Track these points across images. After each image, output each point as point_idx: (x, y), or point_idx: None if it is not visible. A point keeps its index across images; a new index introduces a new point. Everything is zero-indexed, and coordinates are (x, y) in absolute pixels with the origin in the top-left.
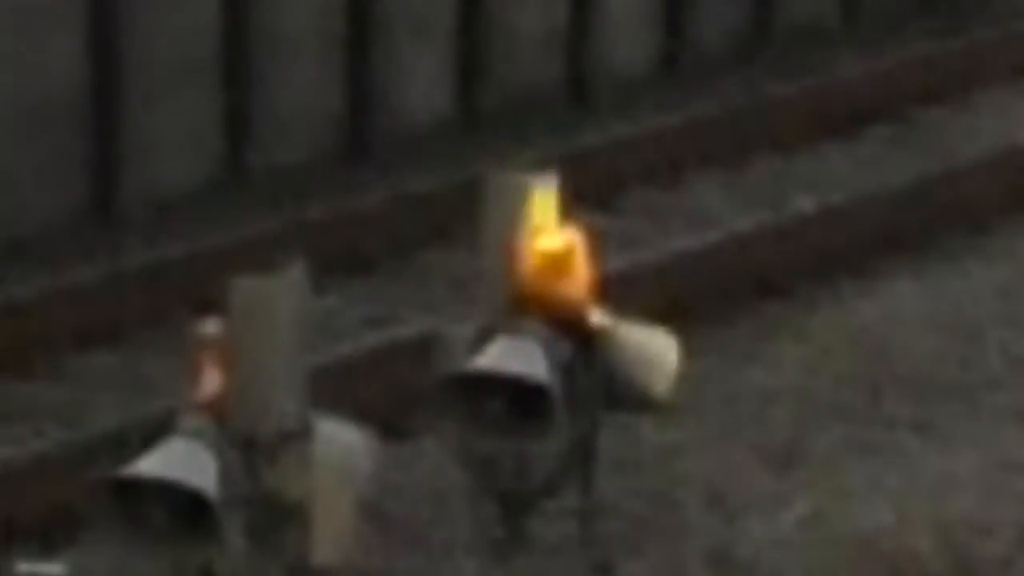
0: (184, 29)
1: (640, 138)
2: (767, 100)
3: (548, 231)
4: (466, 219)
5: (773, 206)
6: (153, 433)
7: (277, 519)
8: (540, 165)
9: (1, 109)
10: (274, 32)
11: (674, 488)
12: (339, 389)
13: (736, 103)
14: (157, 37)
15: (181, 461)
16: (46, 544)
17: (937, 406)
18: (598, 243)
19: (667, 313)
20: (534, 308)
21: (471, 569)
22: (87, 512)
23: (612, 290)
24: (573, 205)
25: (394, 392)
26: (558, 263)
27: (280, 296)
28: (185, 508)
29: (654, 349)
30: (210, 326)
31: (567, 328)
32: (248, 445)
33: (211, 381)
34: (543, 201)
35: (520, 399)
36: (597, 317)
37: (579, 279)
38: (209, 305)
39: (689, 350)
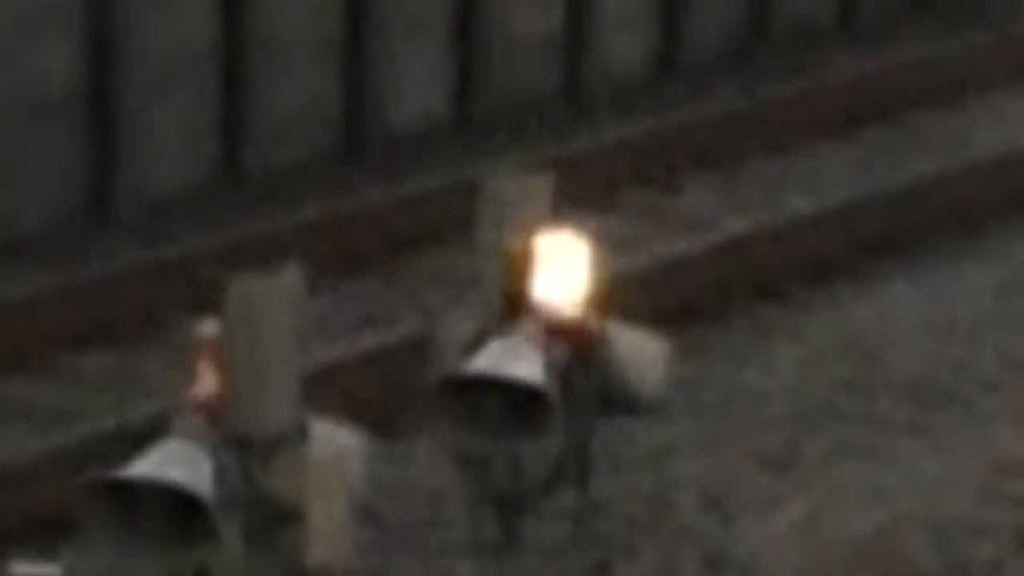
0: (180, 30)
1: (636, 140)
2: (763, 102)
3: (544, 233)
4: (462, 221)
5: (769, 208)
6: (148, 434)
7: (272, 520)
8: (536, 167)
9: None
10: (270, 34)
11: (669, 490)
12: (334, 390)
13: (732, 105)
14: (153, 38)
15: (176, 462)
16: (42, 545)
17: (932, 408)
18: (594, 245)
19: (663, 315)
20: (530, 310)
21: (466, 570)
22: (83, 513)
23: (608, 292)
24: (569, 207)
25: (389, 393)
26: (553, 265)
27: (275, 297)
28: (180, 509)
29: (647, 351)
30: (206, 327)
31: (562, 330)
32: (243, 446)
33: (206, 382)
34: (539, 203)
35: (515, 401)
36: (592, 319)
37: (574, 281)
38: (205, 306)
39: (685, 352)
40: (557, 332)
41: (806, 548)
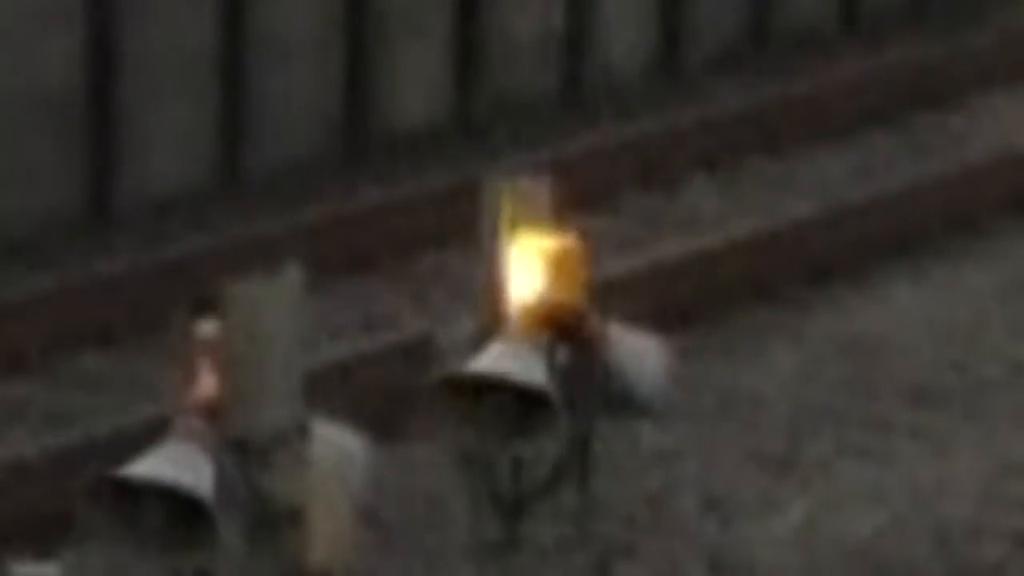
0: (181, 31)
1: (636, 142)
2: (763, 104)
3: (544, 235)
4: (463, 222)
5: (770, 210)
6: (148, 435)
7: (273, 522)
8: (536, 168)
9: None
10: (271, 34)
11: (670, 491)
12: (335, 392)
13: (732, 107)
14: (154, 39)
15: (177, 464)
16: (41, 547)
17: (933, 410)
18: (594, 247)
19: (663, 317)
20: (531, 311)
21: (467, 571)
22: (83, 515)
23: (608, 294)
24: (569, 208)
25: (390, 394)
26: (554, 267)
27: (276, 298)
28: (180, 511)
29: (648, 353)
30: (206, 328)
31: (564, 331)
32: (244, 448)
33: (207, 384)
34: (539, 204)
35: (516, 402)
36: (593, 321)
37: (575, 283)
38: (205, 307)
39: (685, 354)
40: (558, 333)
41: (806, 550)
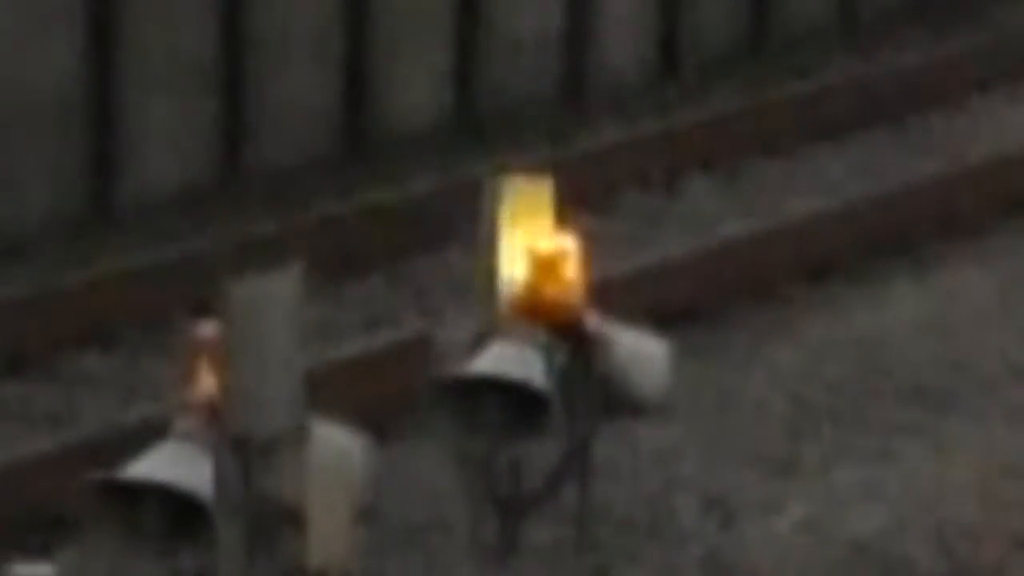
0: (181, 30)
1: (636, 142)
2: (763, 104)
3: (544, 235)
4: (463, 222)
5: (769, 210)
6: (148, 435)
7: (272, 522)
8: (536, 168)
9: None
10: (270, 34)
11: (670, 492)
12: (335, 392)
13: (732, 107)
14: (154, 38)
15: (176, 463)
16: (40, 546)
17: (933, 411)
18: (594, 247)
19: (663, 317)
20: (530, 312)
21: (467, 573)
22: (82, 514)
23: (608, 294)
24: (569, 209)
25: (390, 395)
26: (554, 267)
27: (276, 298)
28: (180, 511)
29: (648, 353)
30: (206, 328)
31: (563, 332)
32: (243, 448)
33: (206, 383)
34: (539, 205)
35: (516, 403)
36: (593, 321)
37: (575, 283)
38: (205, 307)
39: (684, 355)
40: (557, 334)
41: (807, 551)
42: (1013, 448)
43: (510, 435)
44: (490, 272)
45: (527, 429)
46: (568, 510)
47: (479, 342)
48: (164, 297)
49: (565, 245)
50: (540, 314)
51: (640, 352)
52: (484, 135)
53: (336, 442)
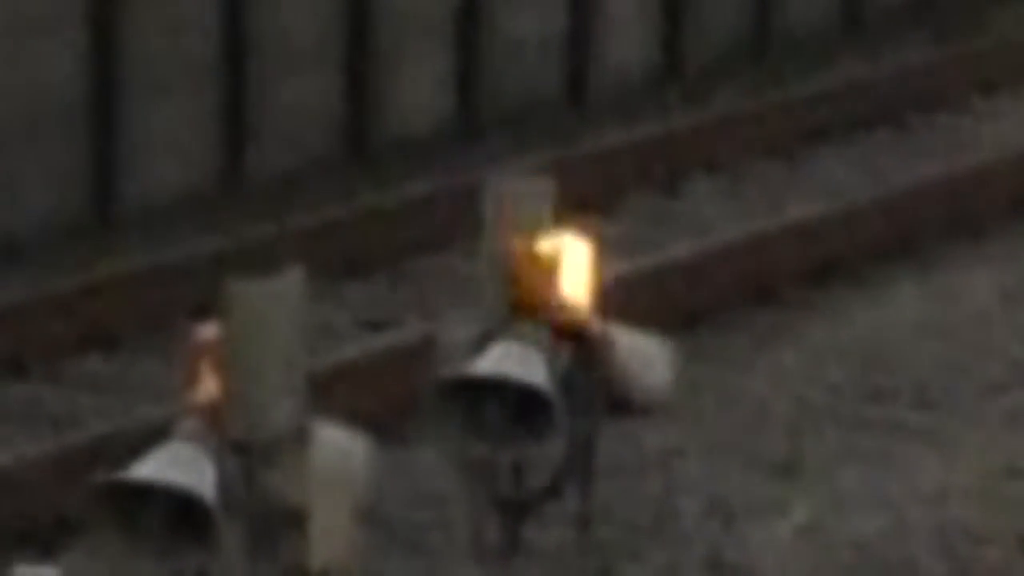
0: (183, 34)
1: (639, 144)
2: (766, 106)
3: (546, 236)
4: (465, 224)
5: (772, 212)
6: (150, 438)
7: (274, 524)
8: (538, 170)
9: None
10: (274, 37)
11: (672, 494)
12: (337, 394)
13: (735, 109)
14: (156, 42)
15: (178, 465)
16: (43, 548)
17: (936, 412)
18: (597, 248)
19: (665, 319)
20: (532, 313)
21: (469, 574)
22: (84, 516)
23: (610, 296)
24: (571, 210)
25: (392, 397)
26: (555, 269)
27: (277, 300)
28: (182, 513)
29: (650, 355)
30: (207, 330)
31: (565, 333)
32: (245, 450)
33: (208, 385)
34: (541, 206)
35: (518, 404)
36: (595, 322)
37: (577, 284)
38: (207, 309)
39: (687, 356)
40: (560, 335)
41: (809, 553)
42: (1015, 449)
43: (512, 437)
44: (492, 274)
45: (529, 431)
46: (570, 511)
47: (481, 344)
48: (166, 300)
49: (566, 247)
50: (542, 316)
51: (642, 353)
52: (486, 137)
53: (337, 444)
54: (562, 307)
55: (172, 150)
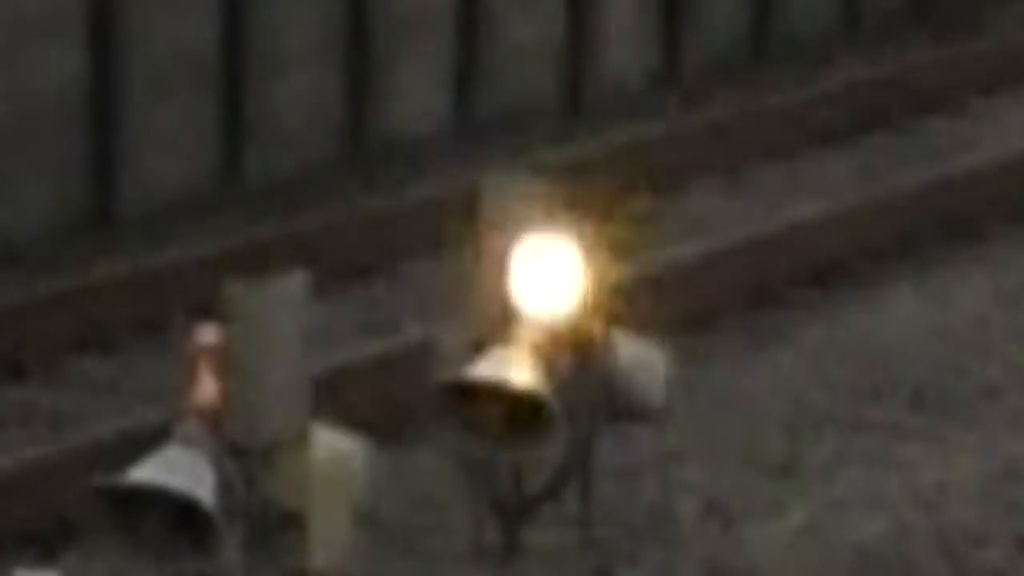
0: (183, 36)
1: (638, 147)
2: (766, 108)
3: (544, 240)
4: (463, 228)
5: (771, 214)
6: (149, 440)
7: (273, 527)
8: (537, 173)
9: None
10: (272, 39)
11: (671, 496)
12: (336, 397)
13: (734, 111)
14: (156, 44)
15: (177, 468)
16: (42, 551)
17: (935, 414)
18: (595, 251)
19: (664, 321)
20: (530, 317)
21: None
22: (83, 519)
23: (609, 298)
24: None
25: (391, 400)
26: (553, 271)
27: (277, 303)
28: (182, 516)
29: (649, 358)
30: (207, 333)
31: (563, 336)
32: (244, 453)
33: (207, 388)
34: (539, 210)
35: (516, 408)
36: (593, 326)
37: (575, 288)
38: (206, 312)
39: (685, 358)
40: (558, 339)
41: (807, 554)
42: (1014, 451)
43: (511, 440)
44: (490, 277)
45: (528, 434)
46: (569, 515)
47: (479, 347)
48: (165, 301)
49: (565, 251)
50: (540, 319)
51: (640, 357)
52: (485, 141)
53: (337, 447)
54: (560, 310)
55: (171, 150)
